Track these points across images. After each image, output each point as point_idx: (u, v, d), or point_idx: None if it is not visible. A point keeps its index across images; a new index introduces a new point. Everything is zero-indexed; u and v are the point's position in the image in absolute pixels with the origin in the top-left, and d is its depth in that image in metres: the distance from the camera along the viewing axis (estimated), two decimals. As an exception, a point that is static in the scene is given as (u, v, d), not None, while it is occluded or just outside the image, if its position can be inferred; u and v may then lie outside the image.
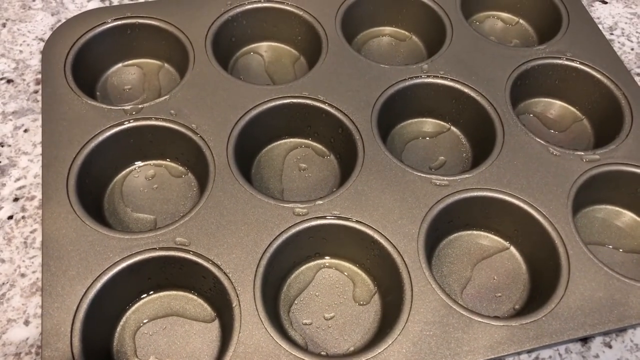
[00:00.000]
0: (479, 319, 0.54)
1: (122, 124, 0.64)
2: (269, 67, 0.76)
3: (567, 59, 0.73)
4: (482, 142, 0.68)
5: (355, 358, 0.51)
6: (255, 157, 0.69)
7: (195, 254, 0.56)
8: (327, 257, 0.62)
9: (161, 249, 0.56)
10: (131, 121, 0.64)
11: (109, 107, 0.65)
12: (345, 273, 0.61)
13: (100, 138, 0.63)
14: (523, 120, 0.72)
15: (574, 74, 0.73)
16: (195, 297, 0.59)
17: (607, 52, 0.73)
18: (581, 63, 0.72)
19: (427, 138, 0.72)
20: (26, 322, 0.56)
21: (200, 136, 0.63)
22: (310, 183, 0.67)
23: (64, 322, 0.52)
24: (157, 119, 0.64)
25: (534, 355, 0.57)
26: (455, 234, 0.64)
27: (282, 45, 0.78)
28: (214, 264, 0.55)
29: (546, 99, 0.75)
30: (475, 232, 0.64)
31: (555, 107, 0.75)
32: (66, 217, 0.58)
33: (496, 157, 0.64)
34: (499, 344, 0.53)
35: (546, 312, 0.55)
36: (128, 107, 0.65)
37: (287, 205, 0.60)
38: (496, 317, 0.55)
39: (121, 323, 0.57)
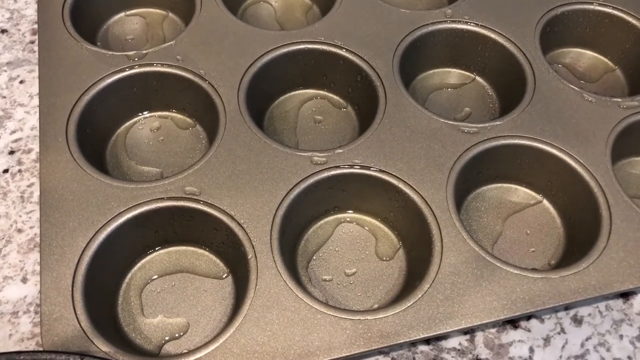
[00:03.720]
0: (517, 271, 0.50)
1: (124, 70, 0.59)
2: (280, 17, 0.72)
3: (599, 5, 0.68)
4: (510, 92, 0.64)
5: (383, 312, 0.47)
6: (267, 109, 0.64)
7: (206, 203, 0.52)
8: (347, 211, 0.57)
9: (169, 198, 0.52)
10: (135, 67, 0.60)
11: (111, 52, 0.61)
12: (367, 228, 0.57)
13: (102, 85, 0.58)
14: (551, 71, 0.67)
15: (606, 20, 0.68)
16: (206, 253, 0.54)
17: (641, -3, 0.69)
18: (614, 8, 0.67)
19: (450, 89, 0.67)
20: (24, 280, 0.52)
21: (209, 82, 0.59)
22: (326, 136, 0.63)
23: (64, 276, 0.48)
24: (162, 65, 0.60)
25: (572, 312, 0.53)
26: (484, 187, 0.60)
27: (294, -6, 0.73)
28: (226, 214, 0.51)
29: (576, 49, 0.71)
30: (505, 185, 0.60)
31: (585, 57, 0.71)
32: (65, 165, 0.53)
33: (528, 104, 0.60)
34: (538, 297, 0.49)
35: (588, 263, 0.51)
36: (131, 53, 0.61)
37: (305, 154, 0.55)
38: (534, 270, 0.51)
39: (126, 279, 0.53)
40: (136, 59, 0.60)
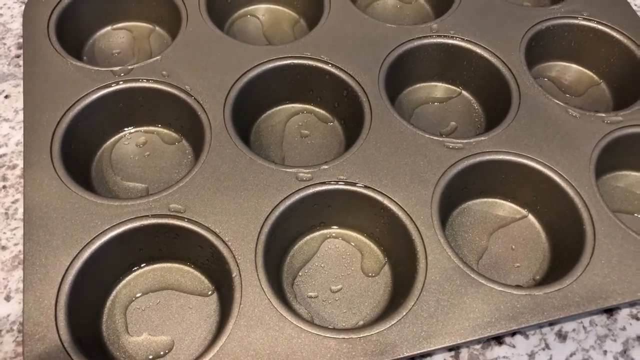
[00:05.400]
0: (501, 288, 0.50)
1: (109, 85, 0.59)
2: (267, 31, 0.72)
3: (583, 19, 0.68)
4: (495, 106, 0.64)
5: (367, 330, 0.47)
6: (253, 124, 0.64)
7: (190, 221, 0.52)
8: (333, 227, 0.57)
9: (154, 216, 0.52)
10: (120, 83, 0.59)
11: (96, 68, 0.61)
12: (353, 243, 0.57)
13: (87, 101, 0.58)
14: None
15: (590, 34, 0.68)
16: (191, 270, 0.54)
17: (625, 11, 0.69)
18: (599, 23, 0.68)
19: (437, 103, 0.67)
20: (7, 298, 0.52)
21: (194, 98, 0.59)
22: (312, 150, 0.63)
23: (47, 295, 0.48)
24: (147, 80, 0.60)
25: (556, 328, 0.53)
26: (469, 202, 0.60)
27: (281, 8, 0.73)
28: (211, 231, 0.51)
29: (561, 63, 0.71)
30: (490, 199, 0.60)
31: (570, 71, 0.71)
32: (50, 183, 0.53)
33: (512, 119, 0.60)
34: (522, 315, 0.49)
35: (571, 280, 0.51)
36: (117, 69, 0.60)
37: (290, 170, 0.55)
38: (518, 287, 0.51)
39: (111, 297, 0.52)
40: (122, 74, 0.60)
